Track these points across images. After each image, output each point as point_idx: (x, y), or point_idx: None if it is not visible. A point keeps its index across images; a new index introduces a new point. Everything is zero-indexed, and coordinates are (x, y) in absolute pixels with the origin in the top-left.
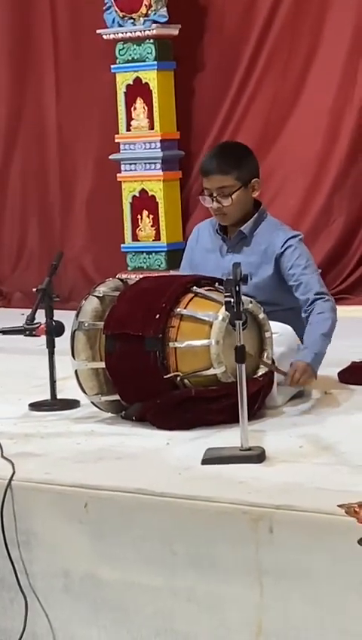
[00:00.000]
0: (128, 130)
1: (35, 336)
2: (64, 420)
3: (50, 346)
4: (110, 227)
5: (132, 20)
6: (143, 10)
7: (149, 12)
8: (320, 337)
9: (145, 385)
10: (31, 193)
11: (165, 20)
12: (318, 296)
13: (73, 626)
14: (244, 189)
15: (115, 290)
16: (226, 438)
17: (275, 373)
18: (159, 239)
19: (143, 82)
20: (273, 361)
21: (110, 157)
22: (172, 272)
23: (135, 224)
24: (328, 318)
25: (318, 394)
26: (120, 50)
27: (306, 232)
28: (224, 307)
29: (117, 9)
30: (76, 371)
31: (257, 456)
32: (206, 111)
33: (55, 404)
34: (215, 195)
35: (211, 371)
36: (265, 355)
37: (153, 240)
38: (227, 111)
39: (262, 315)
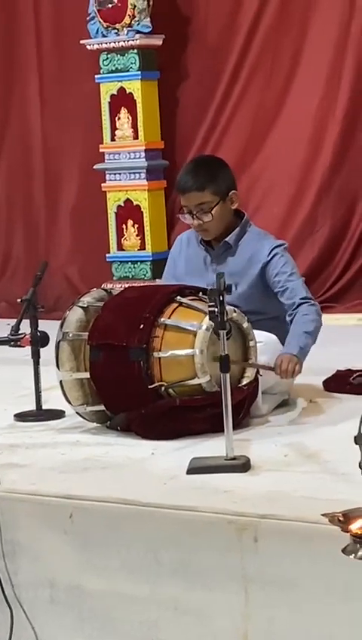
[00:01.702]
0: (113, 140)
1: (20, 346)
2: (49, 430)
3: (35, 356)
4: (95, 237)
5: (116, 31)
6: (127, 20)
7: (133, 22)
8: (304, 334)
9: (130, 395)
10: (16, 203)
11: (149, 30)
12: (304, 301)
13: (59, 636)
14: (223, 203)
15: (99, 301)
16: (211, 447)
17: (259, 383)
18: (144, 249)
19: (127, 92)
20: (257, 370)
21: (95, 167)
22: (157, 282)
23: (120, 234)
24: (313, 320)
25: (303, 403)
26: (104, 60)
27: (291, 240)
28: (208, 317)
29: (101, 19)
30: (61, 382)
31: (242, 465)
32: (190, 120)
33: (40, 414)
34: (194, 212)
35: (196, 381)
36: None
37: (138, 249)
38: (211, 120)
39: (246, 325)
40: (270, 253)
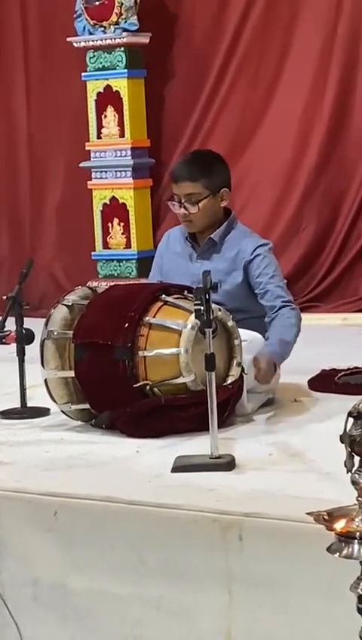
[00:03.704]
0: (99, 137)
1: (5, 344)
2: (34, 428)
3: (21, 354)
4: (81, 235)
5: (102, 28)
6: (114, 18)
7: (120, 20)
8: (286, 341)
9: (115, 393)
10: (1, 201)
11: (136, 28)
12: (285, 304)
13: (42, 634)
14: (212, 198)
15: (84, 299)
16: (196, 445)
17: (244, 382)
18: (130, 247)
19: (114, 90)
20: (242, 369)
21: (81, 165)
22: (143, 280)
23: (105, 232)
24: (294, 325)
25: (288, 402)
26: (90, 58)
27: (276, 240)
28: (193, 315)
29: (87, 17)
30: (46, 380)
31: (227, 464)
32: (176, 119)
33: (25, 412)
34: (183, 201)
35: (180, 380)
36: (235, 362)
37: (124, 248)
38: (197, 119)
39: (231, 323)
40: (253, 252)
